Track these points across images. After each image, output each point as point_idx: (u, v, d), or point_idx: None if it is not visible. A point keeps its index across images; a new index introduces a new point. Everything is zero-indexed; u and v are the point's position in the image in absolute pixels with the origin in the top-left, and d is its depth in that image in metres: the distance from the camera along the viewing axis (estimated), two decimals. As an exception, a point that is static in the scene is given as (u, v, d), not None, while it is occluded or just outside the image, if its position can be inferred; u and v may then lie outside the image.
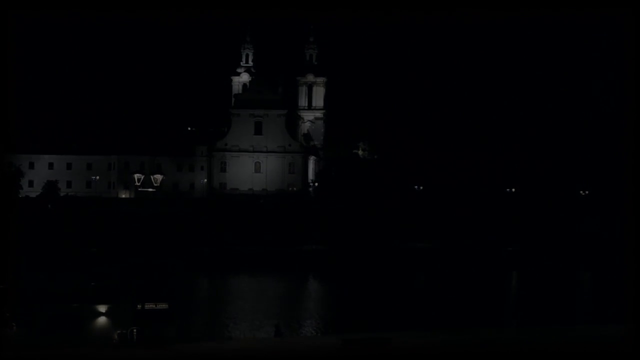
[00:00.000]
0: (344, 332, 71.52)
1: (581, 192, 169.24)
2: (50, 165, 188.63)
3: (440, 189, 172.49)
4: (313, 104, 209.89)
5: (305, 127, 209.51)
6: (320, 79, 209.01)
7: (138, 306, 66.60)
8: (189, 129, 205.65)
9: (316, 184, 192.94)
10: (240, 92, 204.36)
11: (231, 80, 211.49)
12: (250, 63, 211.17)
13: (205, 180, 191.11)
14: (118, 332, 64.35)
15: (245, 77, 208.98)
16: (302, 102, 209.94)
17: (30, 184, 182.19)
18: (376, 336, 65.16)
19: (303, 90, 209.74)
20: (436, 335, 67.23)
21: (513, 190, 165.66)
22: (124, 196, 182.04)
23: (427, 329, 73.04)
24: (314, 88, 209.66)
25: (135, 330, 63.59)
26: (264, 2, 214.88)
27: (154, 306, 67.02)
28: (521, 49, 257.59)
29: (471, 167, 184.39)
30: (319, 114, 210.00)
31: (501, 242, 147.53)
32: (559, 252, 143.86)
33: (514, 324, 67.34)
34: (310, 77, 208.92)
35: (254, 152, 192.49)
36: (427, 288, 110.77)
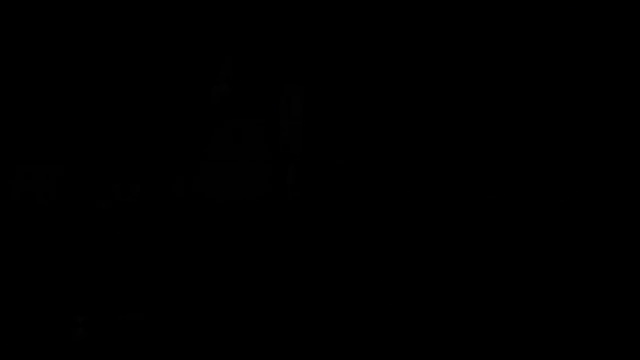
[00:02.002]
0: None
1: (563, 199, 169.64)
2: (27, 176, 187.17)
3: (423, 198, 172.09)
4: (294, 113, 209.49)
5: (285, 136, 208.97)
6: (301, 88, 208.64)
7: (117, 317, 64.86)
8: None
9: (297, 194, 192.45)
10: (219, 101, 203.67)
11: (210, 89, 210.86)
12: (230, 72, 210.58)
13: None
14: (97, 343, 62.46)
15: (224, 87, 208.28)
16: (283, 111, 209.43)
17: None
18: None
19: (283, 99, 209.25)
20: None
21: (497, 198, 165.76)
22: (104, 207, 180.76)
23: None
24: (294, 97, 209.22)
25: (115, 341, 61.79)
26: (246, 14, 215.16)
27: (134, 316, 65.23)
28: (509, 54, 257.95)
29: (455, 174, 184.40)
30: (299, 123, 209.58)
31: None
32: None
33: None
34: (291, 86, 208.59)
35: (233, 162, 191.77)
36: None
